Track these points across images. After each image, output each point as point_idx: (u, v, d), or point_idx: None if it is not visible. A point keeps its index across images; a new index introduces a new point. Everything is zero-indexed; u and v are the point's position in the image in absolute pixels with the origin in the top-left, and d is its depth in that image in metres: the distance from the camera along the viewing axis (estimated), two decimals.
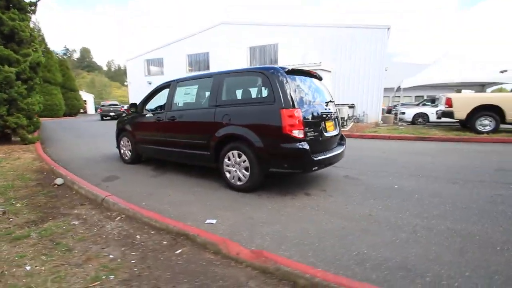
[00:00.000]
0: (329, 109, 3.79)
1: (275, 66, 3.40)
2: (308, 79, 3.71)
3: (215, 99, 3.77)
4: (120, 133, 5.56)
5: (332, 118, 3.78)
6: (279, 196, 3.38)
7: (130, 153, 5.33)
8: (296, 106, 3.15)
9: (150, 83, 22.72)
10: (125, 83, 26.19)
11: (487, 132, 8.13)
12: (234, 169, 3.59)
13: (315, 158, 3.20)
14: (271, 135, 3.23)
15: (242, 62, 18.66)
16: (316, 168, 3.27)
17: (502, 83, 20.66)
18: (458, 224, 2.55)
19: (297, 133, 3.11)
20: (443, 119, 10.04)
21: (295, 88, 3.31)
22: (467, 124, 8.66)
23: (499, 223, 2.55)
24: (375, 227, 2.53)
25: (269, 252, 1.88)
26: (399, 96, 17.43)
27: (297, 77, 3.48)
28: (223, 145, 3.68)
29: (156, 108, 5.45)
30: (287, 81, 3.24)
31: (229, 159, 3.63)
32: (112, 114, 21.43)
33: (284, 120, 3.10)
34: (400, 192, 3.52)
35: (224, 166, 3.69)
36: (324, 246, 2.18)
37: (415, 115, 14.19)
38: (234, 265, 1.82)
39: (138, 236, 2.25)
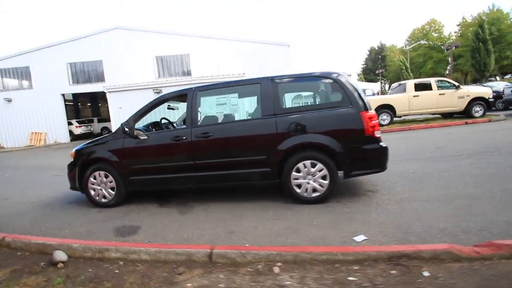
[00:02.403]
0: None
1: (337, 71, 3.40)
2: None
3: (272, 108, 3.35)
4: (87, 166, 3.90)
5: None
6: (357, 199, 3.39)
7: (112, 192, 3.84)
8: (368, 108, 3.28)
9: (9, 101, 16.59)
10: None
11: (386, 124, 10.85)
12: (306, 180, 3.31)
13: None
14: (352, 138, 3.22)
15: (148, 72, 16.69)
16: None
17: None
18: (505, 185, 3.36)
19: (378, 133, 3.24)
20: None
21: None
22: None
23: None
24: (469, 201, 3.00)
25: (496, 241, 1.94)
26: None
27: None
28: (287, 157, 3.32)
29: (148, 126, 4.22)
30: (354, 85, 3.32)
31: (298, 171, 3.30)
32: None
33: (365, 122, 3.17)
34: (421, 174, 4.23)
35: (292, 180, 3.32)
36: (479, 223, 2.44)
37: None
38: (489, 263, 1.77)
39: (351, 278, 1.75)
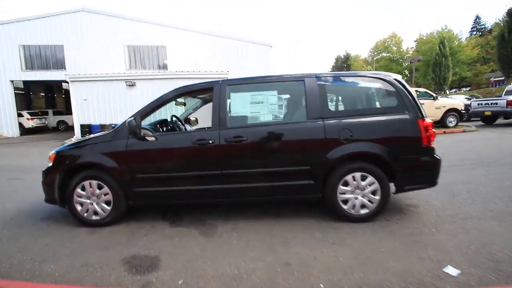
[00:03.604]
0: None
1: (388, 73, 3.03)
2: None
3: (319, 110, 2.86)
4: (72, 174, 3.01)
5: None
6: (405, 216, 3.07)
7: (107, 207, 3.01)
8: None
9: None
10: None
11: None
12: (354, 195, 2.88)
13: None
14: (409, 149, 2.88)
15: (118, 62, 15.07)
16: None
17: None
18: None
19: (433, 144, 2.94)
20: None
21: None
22: None
23: None
24: None
25: None
26: None
27: None
28: (334, 169, 2.86)
29: (156, 125, 3.45)
30: (409, 89, 2.98)
31: (346, 185, 2.87)
32: None
33: (423, 131, 2.84)
34: (444, 185, 3.98)
35: (339, 194, 2.88)
36: None
37: None
38: None
39: None
